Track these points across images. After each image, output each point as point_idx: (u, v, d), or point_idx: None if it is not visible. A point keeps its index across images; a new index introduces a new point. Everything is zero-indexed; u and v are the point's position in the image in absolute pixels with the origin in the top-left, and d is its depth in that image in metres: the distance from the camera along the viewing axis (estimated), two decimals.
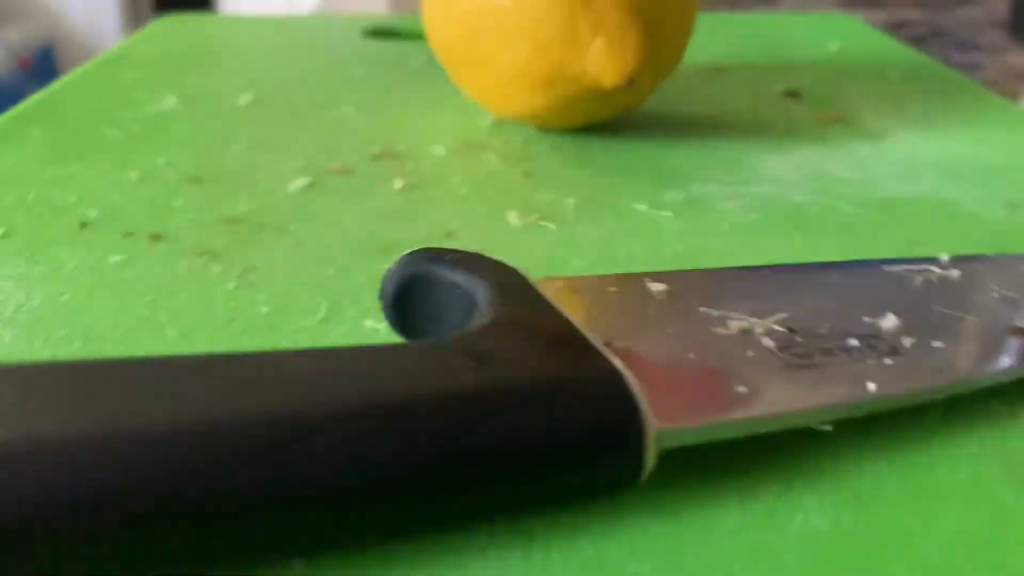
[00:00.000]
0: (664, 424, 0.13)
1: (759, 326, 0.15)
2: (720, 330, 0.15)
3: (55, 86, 0.32)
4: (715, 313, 0.16)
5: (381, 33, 0.40)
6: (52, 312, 0.18)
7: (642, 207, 0.23)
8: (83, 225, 0.21)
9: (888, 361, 0.14)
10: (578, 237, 0.21)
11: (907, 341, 0.15)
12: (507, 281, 0.15)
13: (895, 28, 0.47)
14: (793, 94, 0.31)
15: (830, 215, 0.22)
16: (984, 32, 0.45)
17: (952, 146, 0.27)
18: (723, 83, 0.33)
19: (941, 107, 0.30)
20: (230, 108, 0.30)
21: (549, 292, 0.15)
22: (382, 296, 0.16)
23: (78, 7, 2.26)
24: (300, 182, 0.24)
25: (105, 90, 0.31)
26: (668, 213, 0.22)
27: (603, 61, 0.24)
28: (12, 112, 0.29)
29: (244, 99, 0.30)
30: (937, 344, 0.15)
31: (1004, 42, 0.43)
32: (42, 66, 2.25)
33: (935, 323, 0.15)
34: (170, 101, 0.30)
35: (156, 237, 0.21)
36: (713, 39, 0.38)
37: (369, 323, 0.18)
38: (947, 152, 0.26)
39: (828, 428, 0.14)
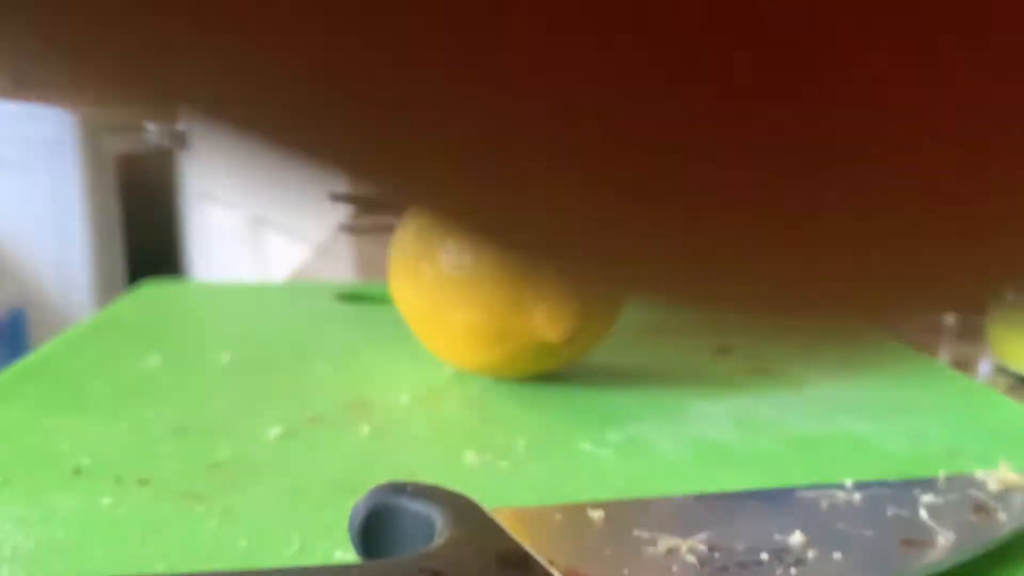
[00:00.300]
0: None
1: (684, 545, 0.17)
2: (650, 549, 0.17)
3: (47, 347, 0.34)
4: (646, 535, 0.18)
5: (352, 298, 0.43)
6: (48, 551, 0.19)
7: (586, 446, 0.25)
8: (76, 471, 0.23)
9: (794, 571, 0.16)
10: (529, 473, 0.23)
11: (811, 554, 0.17)
12: (462, 509, 0.17)
13: None
14: (724, 349, 0.34)
15: (754, 451, 0.25)
16: None
17: (864, 390, 0.30)
18: (661, 340, 0.36)
19: (857, 358, 0.34)
20: (211, 366, 0.32)
21: (501, 519, 0.17)
22: (350, 526, 0.18)
23: (51, 275, 2.34)
24: (276, 430, 0.26)
25: (94, 350, 0.34)
26: (610, 451, 0.25)
27: (546, 321, 0.28)
28: (8, 371, 0.31)
29: (224, 358, 0.33)
30: (837, 555, 0.17)
31: None
32: (13, 331, 2.29)
33: (837, 538, 0.18)
34: (154, 360, 0.33)
35: (144, 482, 0.23)
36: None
37: (339, 554, 0.19)
38: (860, 395, 0.30)
39: None
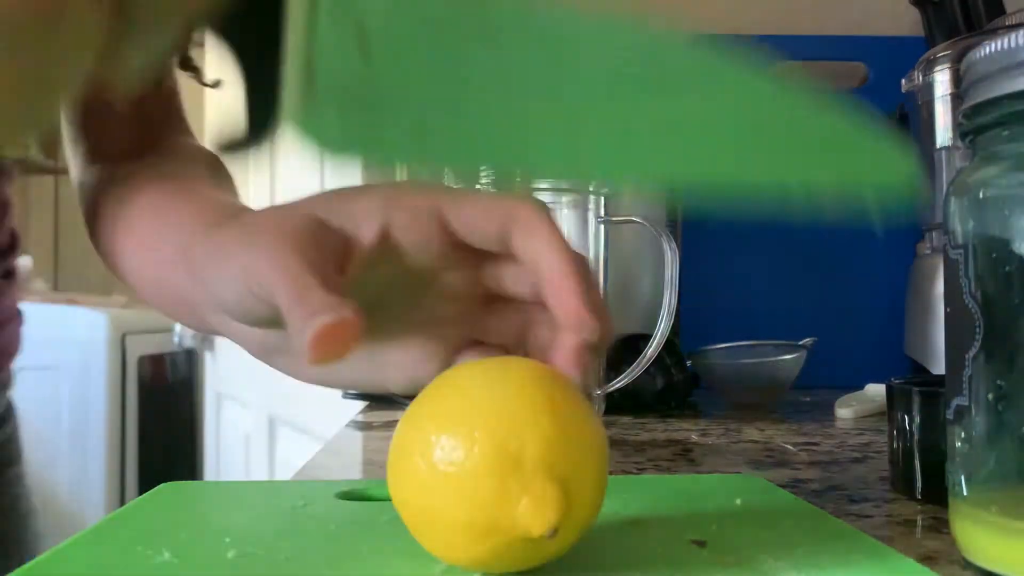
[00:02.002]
0: None
1: None
2: None
3: (67, 542, 0.37)
4: None
5: (354, 496, 0.46)
6: None
7: None
8: None
9: None
10: None
11: None
12: None
13: (796, 484, 0.54)
14: (699, 543, 0.37)
15: None
16: (871, 487, 0.52)
17: None
18: (640, 533, 0.38)
19: (825, 550, 0.36)
20: (218, 561, 0.35)
21: None
22: None
23: (65, 476, 2.35)
24: None
25: (111, 545, 0.37)
26: None
27: (530, 516, 0.30)
28: (19, 571, 0.34)
29: (230, 553, 0.35)
30: None
31: (887, 495, 0.50)
32: None
33: None
34: (166, 556, 0.35)
35: None
36: (636, 496, 0.44)
37: None
38: None
39: None
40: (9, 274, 0.76)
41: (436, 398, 0.34)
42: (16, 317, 0.77)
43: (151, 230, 0.49)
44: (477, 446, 0.31)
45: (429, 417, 0.33)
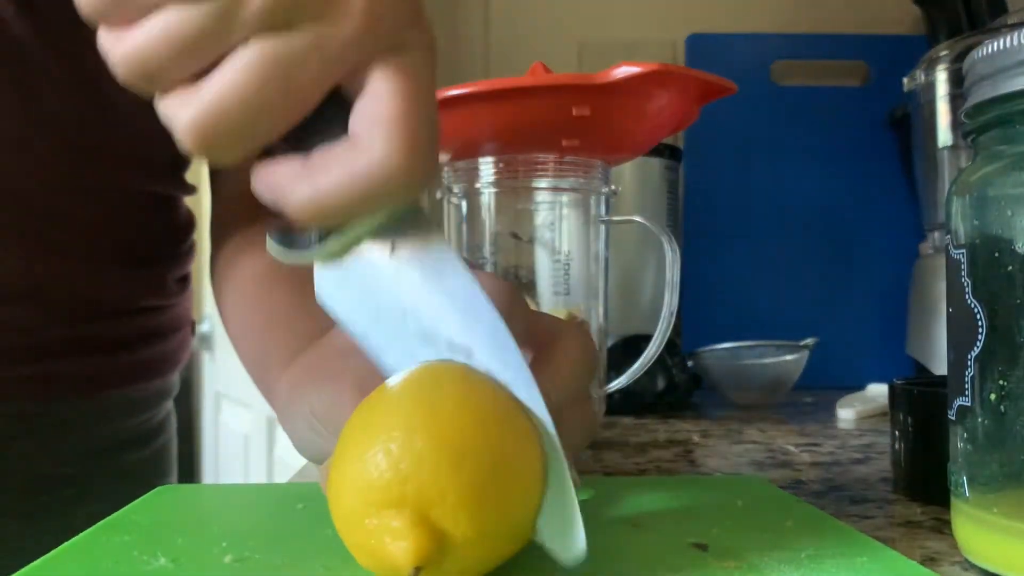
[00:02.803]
0: None
1: None
2: None
3: (62, 547, 0.37)
4: None
5: None
6: None
7: None
8: None
9: None
10: None
11: None
12: None
13: (798, 485, 0.54)
14: (701, 546, 0.36)
15: None
16: (873, 488, 0.52)
17: None
18: (641, 535, 0.38)
19: (827, 551, 0.35)
20: (214, 567, 0.34)
21: None
22: None
23: None
24: None
25: (106, 551, 0.36)
26: None
27: (395, 554, 0.28)
28: (22, 572, 0.33)
29: (226, 559, 0.35)
30: None
31: (888, 496, 0.49)
32: None
33: None
34: (162, 561, 0.35)
35: None
36: (636, 497, 0.44)
37: None
38: None
39: None
40: (183, 281, 0.77)
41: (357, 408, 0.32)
42: (185, 326, 0.78)
43: (253, 335, 0.55)
44: (347, 479, 0.30)
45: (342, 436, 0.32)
